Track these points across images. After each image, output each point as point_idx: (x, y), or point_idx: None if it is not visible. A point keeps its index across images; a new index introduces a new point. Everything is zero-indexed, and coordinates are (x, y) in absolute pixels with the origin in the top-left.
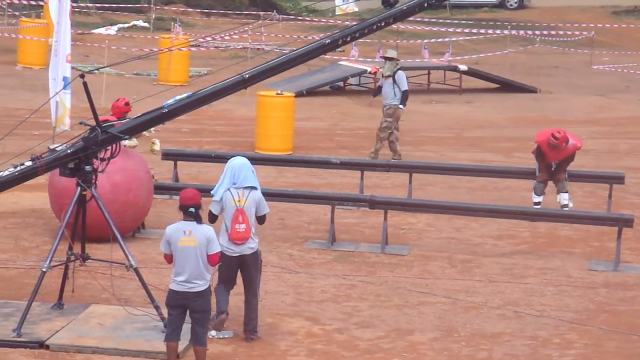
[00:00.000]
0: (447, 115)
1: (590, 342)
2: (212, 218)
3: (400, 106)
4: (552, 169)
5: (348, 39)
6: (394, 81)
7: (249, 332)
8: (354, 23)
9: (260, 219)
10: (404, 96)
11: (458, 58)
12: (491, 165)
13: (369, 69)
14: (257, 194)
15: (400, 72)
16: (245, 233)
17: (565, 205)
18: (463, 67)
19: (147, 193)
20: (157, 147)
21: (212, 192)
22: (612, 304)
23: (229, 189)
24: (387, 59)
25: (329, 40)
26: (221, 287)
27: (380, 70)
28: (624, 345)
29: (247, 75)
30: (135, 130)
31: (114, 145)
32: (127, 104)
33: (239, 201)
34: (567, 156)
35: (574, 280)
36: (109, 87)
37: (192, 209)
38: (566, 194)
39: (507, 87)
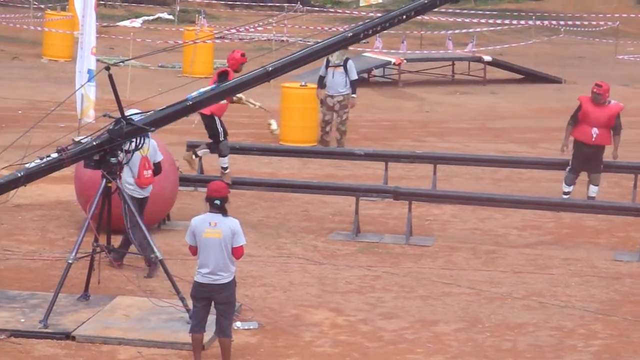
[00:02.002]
0: (471, 106)
1: (616, 333)
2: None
3: (353, 95)
4: (587, 157)
5: (370, 32)
6: (345, 70)
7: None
8: (378, 15)
9: (157, 167)
10: (355, 85)
11: (482, 49)
12: (515, 156)
13: (393, 60)
14: (153, 142)
15: (350, 61)
16: (151, 178)
17: (592, 198)
18: (487, 58)
19: (172, 185)
20: (274, 127)
21: None
22: (638, 294)
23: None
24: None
25: (351, 34)
26: (137, 229)
27: (330, 58)
28: None
29: (270, 68)
30: (159, 122)
31: (138, 138)
32: (242, 55)
33: (142, 150)
34: (610, 116)
35: (599, 271)
36: (134, 80)
37: (218, 201)
38: (597, 188)
39: (531, 77)
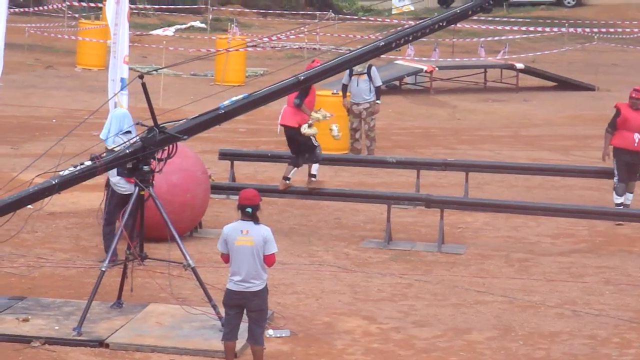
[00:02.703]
0: (503, 113)
1: None
2: None
3: (378, 101)
4: (630, 164)
5: (402, 41)
6: (369, 77)
7: None
8: (410, 22)
9: None
10: (380, 91)
11: (514, 56)
12: (549, 163)
13: (425, 68)
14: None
15: (373, 68)
16: None
17: (627, 206)
18: (520, 65)
19: (204, 193)
20: (335, 132)
21: (101, 136)
22: None
23: (117, 135)
24: None
25: (383, 43)
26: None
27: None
28: None
29: (302, 77)
30: (192, 130)
31: (171, 146)
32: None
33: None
34: None
35: (634, 279)
36: (167, 88)
37: (249, 209)
38: (631, 195)
39: (564, 85)
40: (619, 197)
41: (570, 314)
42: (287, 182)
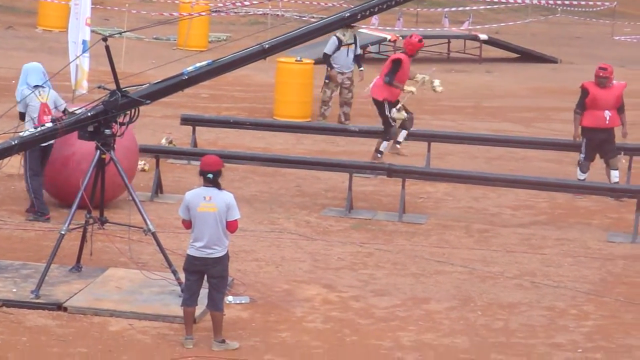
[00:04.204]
0: (466, 84)
1: (607, 314)
2: (21, 116)
3: (362, 68)
4: (602, 141)
5: (368, 13)
6: (355, 47)
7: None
8: None
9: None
10: (360, 59)
11: (478, 27)
12: (510, 135)
13: (388, 37)
14: (53, 92)
15: (357, 36)
16: None
17: (617, 183)
18: (483, 37)
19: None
20: (438, 88)
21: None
22: (630, 275)
23: (27, 88)
24: (349, 26)
25: (348, 14)
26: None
27: (342, 38)
28: None
29: (267, 46)
30: (154, 95)
31: (133, 110)
32: (420, 40)
33: (41, 97)
34: (617, 96)
35: (592, 252)
36: (129, 51)
37: (210, 175)
38: (617, 171)
39: (527, 57)
40: (582, 174)
41: (529, 285)
42: (380, 155)
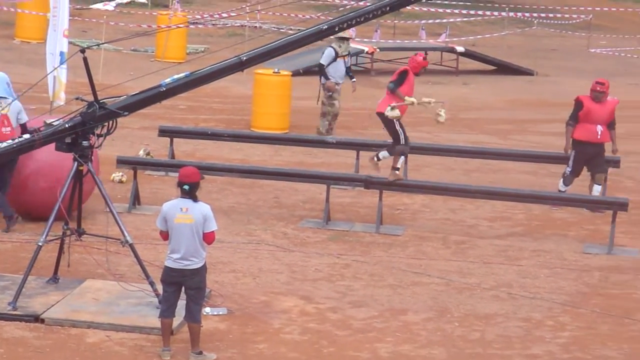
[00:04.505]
0: (443, 96)
1: (583, 325)
2: None
3: (354, 80)
4: (591, 156)
5: (345, 25)
6: (349, 58)
7: None
8: (352, 2)
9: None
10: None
11: (455, 39)
12: (487, 147)
13: (366, 49)
14: (17, 103)
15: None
16: (10, 134)
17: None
18: (460, 49)
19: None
20: (442, 118)
21: None
22: (606, 287)
23: None
24: (343, 39)
25: (326, 26)
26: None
27: (337, 50)
28: (617, 328)
29: (244, 58)
30: (132, 107)
31: (111, 122)
32: (424, 58)
33: (1, 109)
34: (610, 112)
35: (568, 263)
36: (107, 63)
37: (187, 187)
38: (599, 187)
39: (503, 69)
40: (564, 186)
41: (505, 296)
42: (397, 172)
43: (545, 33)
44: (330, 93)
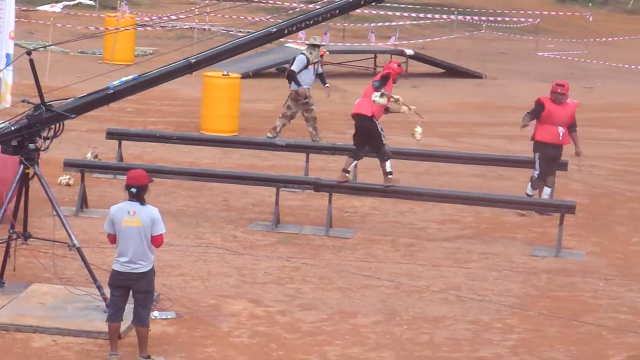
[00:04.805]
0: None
1: (531, 327)
2: None
3: (327, 85)
4: (552, 158)
5: (294, 28)
6: (319, 65)
7: None
8: (301, 5)
9: None
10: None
11: (404, 42)
12: (436, 149)
13: None
14: None
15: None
16: None
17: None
18: (409, 52)
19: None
20: (418, 135)
21: None
22: (554, 289)
23: None
24: (315, 46)
25: (275, 29)
26: None
27: (309, 57)
28: (565, 330)
29: (193, 60)
30: (80, 109)
31: (58, 124)
32: (399, 65)
33: None
34: (571, 114)
35: (517, 266)
36: (54, 65)
37: (134, 189)
38: (550, 189)
39: (452, 72)
40: (532, 190)
41: (454, 299)
42: (347, 175)
43: (493, 37)
44: (307, 100)
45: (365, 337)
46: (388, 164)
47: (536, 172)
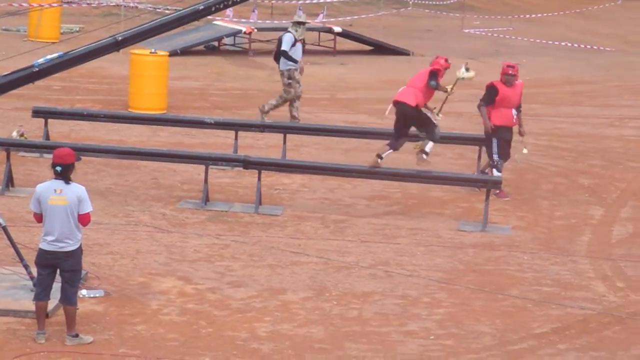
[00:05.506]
0: (321, 76)
1: (458, 301)
2: None
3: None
4: (507, 140)
5: (221, 6)
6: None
7: None
8: None
9: None
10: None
11: (332, 20)
12: (365, 126)
13: (243, 29)
14: None
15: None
16: None
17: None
18: (337, 29)
19: None
20: (464, 73)
21: None
22: (480, 263)
23: None
24: (299, 23)
25: (202, 7)
26: None
27: (294, 34)
28: (490, 304)
29: (120, 38)
30: (4, 88)
31: None
32: (446, 60)
33: None
34: (520, 95)
35: (444, 241)
36: None
37: (59, 168)
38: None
39: (380, 49)
40: (499, 173)
41: (382, 274)
42: (379, 160)
43: (420, 14)
44: (290, 81)
45: (295, 313)
46: (430, 144)
47: (495, 156)
